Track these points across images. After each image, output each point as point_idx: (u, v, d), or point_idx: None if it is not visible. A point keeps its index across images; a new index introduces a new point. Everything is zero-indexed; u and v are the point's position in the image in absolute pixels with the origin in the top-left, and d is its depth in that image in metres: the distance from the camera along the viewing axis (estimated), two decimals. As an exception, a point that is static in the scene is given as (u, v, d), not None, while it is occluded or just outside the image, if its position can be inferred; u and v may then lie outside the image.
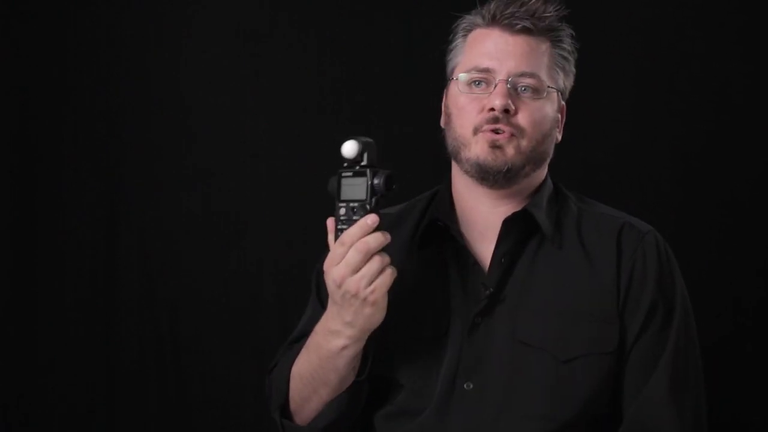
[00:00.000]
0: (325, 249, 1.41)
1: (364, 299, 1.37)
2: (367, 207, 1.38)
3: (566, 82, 1.58)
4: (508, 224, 1.52)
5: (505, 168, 1.50)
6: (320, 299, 1.59)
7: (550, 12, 1.54)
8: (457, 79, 1.54)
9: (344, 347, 1.43)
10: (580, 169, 2.15)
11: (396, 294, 1.47)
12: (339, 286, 1.37)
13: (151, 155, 2.40)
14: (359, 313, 1.39)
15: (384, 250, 1.57)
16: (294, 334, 1.63)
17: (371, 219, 1.36)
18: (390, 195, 1.40)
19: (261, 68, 2.40)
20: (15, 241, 2.37)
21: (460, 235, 1.55)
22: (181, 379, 2.38)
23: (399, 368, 1.51)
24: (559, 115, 1.58)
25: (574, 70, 1.59)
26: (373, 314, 1.39)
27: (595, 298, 1.49)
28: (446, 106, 1.58)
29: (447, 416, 1.48)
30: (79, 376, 2.37)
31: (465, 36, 1.57)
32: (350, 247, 1.36)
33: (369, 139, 1.40)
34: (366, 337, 1.44)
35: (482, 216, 1.55)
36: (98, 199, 2.39)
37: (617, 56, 2.31)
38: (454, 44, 1.59)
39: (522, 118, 1.50)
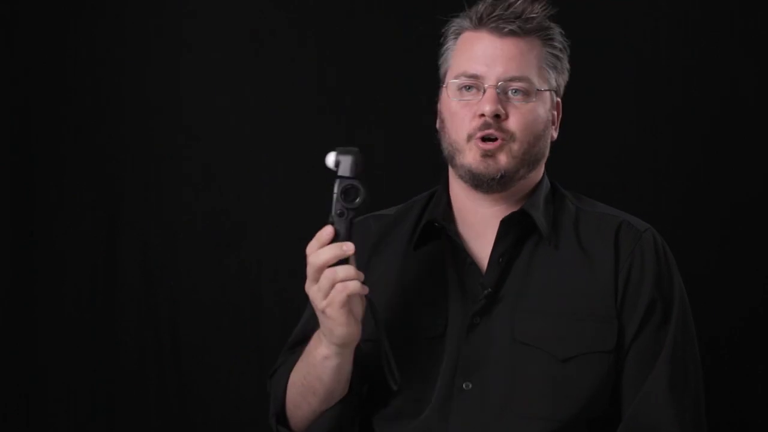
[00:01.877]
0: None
1: (323, 312, 1.39)
2: (331, 219, 1.38)
3: (559, 79, 1.56)
4: (506, 225, 1.52)
5: (498, 175, 1.50)
6: None
7: (537, 12, 1.52)
8: (447, 84, 1.54)
9: (326, 357, 1.44)
10: (579, 168, 2.15)
11: (393, 295, 1.47)
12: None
13: (151, 155, 2.40)
14: (324, 325, 1.41)
15: (382, 250, 1.57)
16: (292, 337, 1.64)
17: (326, 232, 1.37)
18: (360, 209, 1.39)
19: (261, 68, 2.40)
20: (14, 241, 2.37)
21: (457, 235, 1.55)
22: (181, 380, 2.38)
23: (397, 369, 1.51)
24: (554, 113, 1.57)
25: (567, 65, 1.58)
26: (334, 328, 1.40)
27: (593, 297, 1.49)
28: (440, 110, 1.58)
29: (447, 416, 1.47)
30: (79, 377, 2.37)
31: (455, 39, 1.56)
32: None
33: (350, 148, 1.39)
34: (345, 352, 1.44)
35: (479, 216, 1.55)
36: (98, 199, 2.39)
37: (619, 55, 2.31)
38: (445, 47, 1.58)
39: (513, 123, 1.50)
